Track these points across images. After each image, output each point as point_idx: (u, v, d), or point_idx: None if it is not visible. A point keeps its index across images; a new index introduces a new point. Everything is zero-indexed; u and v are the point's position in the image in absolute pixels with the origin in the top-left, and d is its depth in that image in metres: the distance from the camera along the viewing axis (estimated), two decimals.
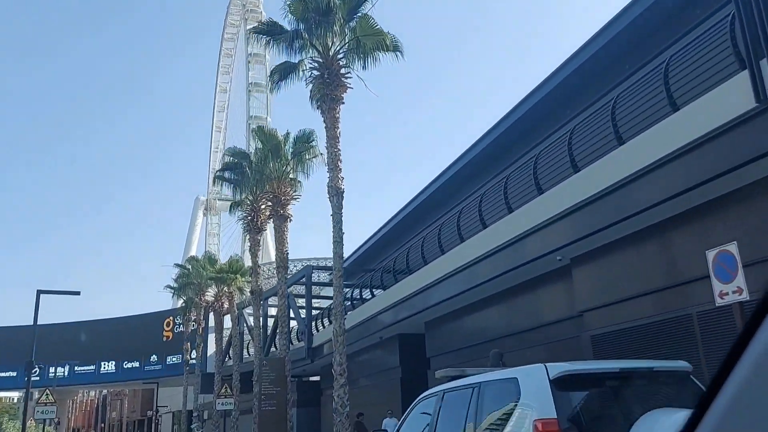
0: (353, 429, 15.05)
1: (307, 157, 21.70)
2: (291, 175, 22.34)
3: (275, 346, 34.42)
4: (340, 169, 16.15)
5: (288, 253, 21.40)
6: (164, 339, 48.79)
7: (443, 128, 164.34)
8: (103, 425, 78.28)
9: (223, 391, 24.19)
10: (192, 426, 31.28)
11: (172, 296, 40.50)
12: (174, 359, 46.94)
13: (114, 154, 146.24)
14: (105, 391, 77.41)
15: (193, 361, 40.54)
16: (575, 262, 12.61)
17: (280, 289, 21.21)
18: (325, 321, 29.53)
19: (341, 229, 15.77)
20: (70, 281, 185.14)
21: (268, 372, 16.97)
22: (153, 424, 50.63)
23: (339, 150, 16.21)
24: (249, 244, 25.62)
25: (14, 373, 47.85)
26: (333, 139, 16.19)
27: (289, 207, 21.98)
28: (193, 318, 40.30)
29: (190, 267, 38.29)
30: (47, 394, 22.12)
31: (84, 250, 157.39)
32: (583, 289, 12.53)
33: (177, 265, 38.60)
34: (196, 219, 72.08)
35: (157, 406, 46.93)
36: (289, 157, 21.76)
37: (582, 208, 11.36)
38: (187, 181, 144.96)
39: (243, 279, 31.44)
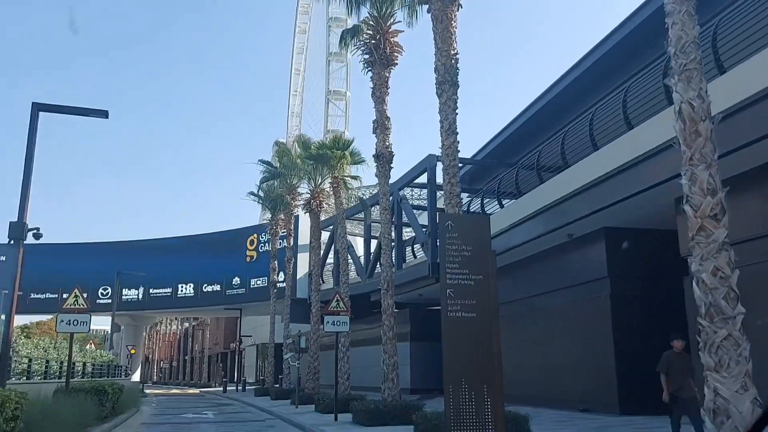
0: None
1: None
2: None
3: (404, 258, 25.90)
4: None
5: (458, 55, 12.07)
6: (248, 260, 41.89)
7: None
8: (186, 357, 74.97)
9: (334, 305, 15.67)
10: (286, 356, 23.51)
11: (258, 202, 32.47)
12: (259, 282, 39.96)
13: (194, 105, 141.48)
14: (187, 324, 73.89)
15: (281, 284, 33.12)
16: None
17: (445, 121, 11.94)
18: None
19: None
20: (152, 214, 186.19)
21: (458, 244, 7.76)
22: (236, 357, 44.14)
23: None
24: (371, 84, 16.45)
25: (55, 296, 41.04)
26: None
27: None
28: (281, 229, 32.30)
29: (278, 162, 29.93)
30: (76, 296, 14.15)
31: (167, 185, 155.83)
32: None
33: (262, 161, 30.28)
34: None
35: (240, 336, 40.15)
36: None
37: None
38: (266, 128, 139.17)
39: (352, 161, 22.63)
